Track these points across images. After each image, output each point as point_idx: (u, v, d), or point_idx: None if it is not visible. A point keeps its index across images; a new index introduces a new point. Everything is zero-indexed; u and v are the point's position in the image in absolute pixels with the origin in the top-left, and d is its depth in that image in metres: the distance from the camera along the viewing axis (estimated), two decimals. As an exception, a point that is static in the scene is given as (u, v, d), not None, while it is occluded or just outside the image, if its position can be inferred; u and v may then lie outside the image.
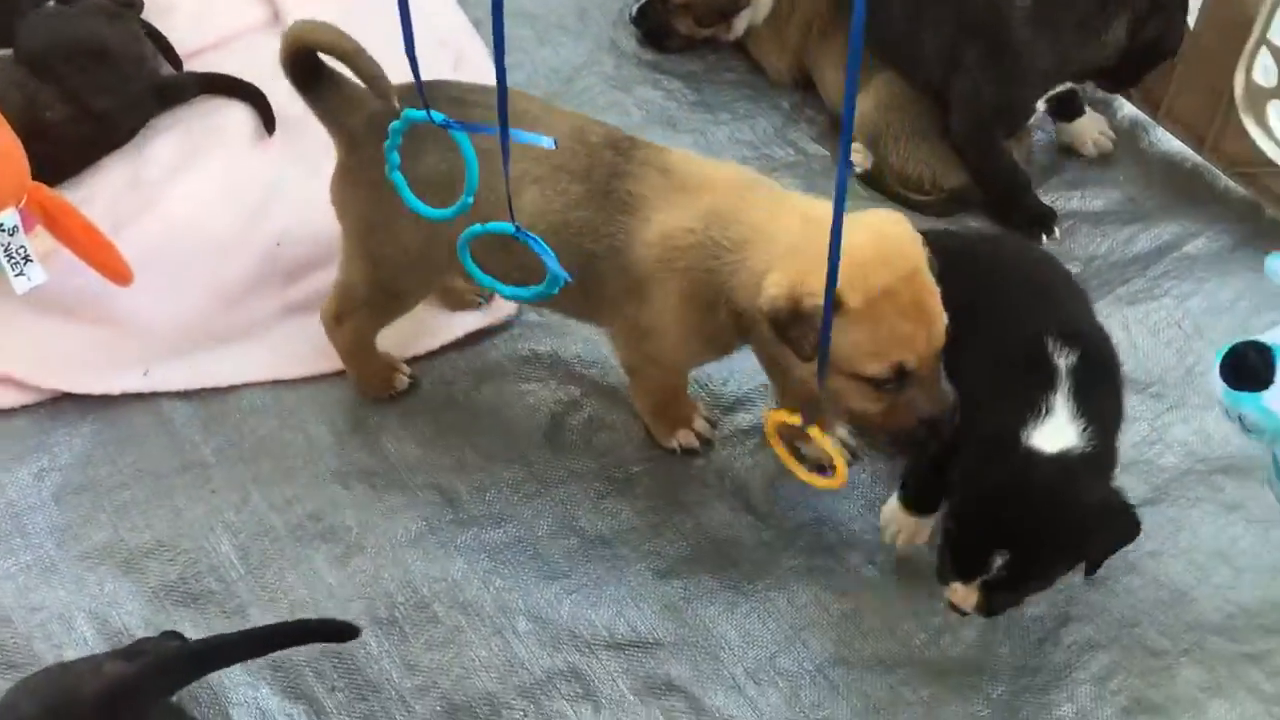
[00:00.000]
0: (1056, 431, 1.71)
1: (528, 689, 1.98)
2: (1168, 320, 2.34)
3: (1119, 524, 1.73)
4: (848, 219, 1.50)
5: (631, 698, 1.96)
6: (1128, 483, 2.12)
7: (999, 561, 1.68)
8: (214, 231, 2.47)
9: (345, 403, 2.30)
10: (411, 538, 2.14)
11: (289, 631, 1.87)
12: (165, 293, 2.39)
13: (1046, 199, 2.57)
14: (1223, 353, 1.66)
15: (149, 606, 2.06)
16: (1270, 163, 2.45)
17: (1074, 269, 2.41)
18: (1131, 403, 2.21)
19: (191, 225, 2.48)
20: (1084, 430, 1.72)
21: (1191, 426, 2.17)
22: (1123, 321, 2.33)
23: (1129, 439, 2.18)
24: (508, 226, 1.63)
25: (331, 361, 2.32)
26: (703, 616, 2.03)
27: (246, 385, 2.33)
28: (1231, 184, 2.57)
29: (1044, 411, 1.71)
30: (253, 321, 2.40)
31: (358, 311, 2.16)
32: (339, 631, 1.86)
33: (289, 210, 2.50)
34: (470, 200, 1.63)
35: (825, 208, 1.58)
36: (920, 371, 1.73)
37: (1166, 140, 2.64)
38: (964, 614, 1.78)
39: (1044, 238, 2.48)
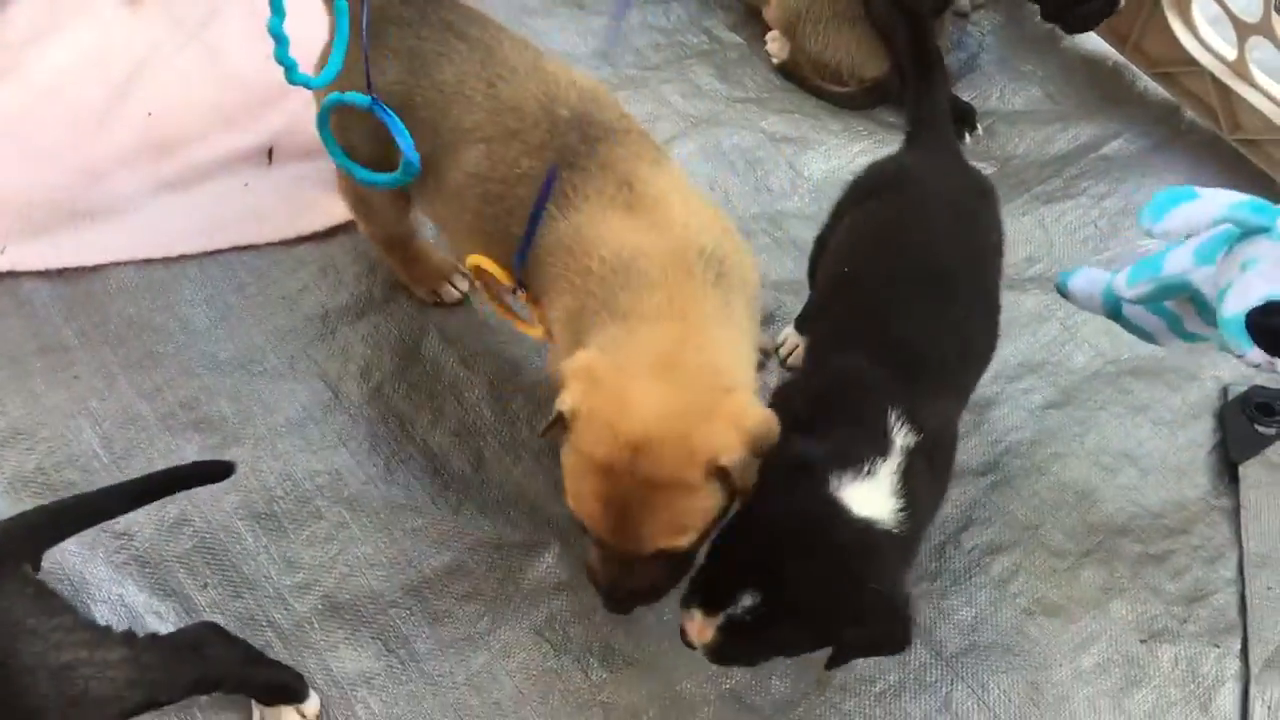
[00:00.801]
0: (873, 498, 1.48)
1: (415, 587, 1.88)
2: (1083, 220, 2.28)
3: (890, 628, 1.46)
4: (698, 392, 1.44)
5: (518, 598, 1.88)
6: (1036, 384, 2.09)
7: (746, 603, 1.44)
8: (79, 101, 2.30)
9: (221, 284, 2.15)
10: (292, 427, 2.02)
11: (160, 480, 1.70)
12: (24, 164, 2.21)
13: (965, 97, 2.49)
14: (1241, 313, 1.50)
15: (4, 498, 1.91)
16: (1192, 62, 2.39)
17: (990, 168, 2.36)
18: (1044, 301, 2.17)
19: (54, 93, 2.30)
20: (898, 509, 1.48)
21: (1101, 327, 2.11)
22: (1039, 220, 2.27)
23: (1041, 339, 2.14)
24: (364, 98, 1.60)
25: (207, 240, 2.16)
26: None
27: (114, 264, 2.17)
28: (1152, 85, 2.51)
29: (867, 471, 1.49)
30: (122, 197, 2.23)
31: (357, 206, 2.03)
32: (213, 472, 1.71)
33: (162, 81, 2.32)
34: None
35: (678, 370, 1.45)
36: (598, 541, 1.52)
37: (1088, 39, 2.57)
38: (692, 648, 1.53)
39: (966, 135, 2.41)
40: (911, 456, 1.51)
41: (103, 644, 1.53)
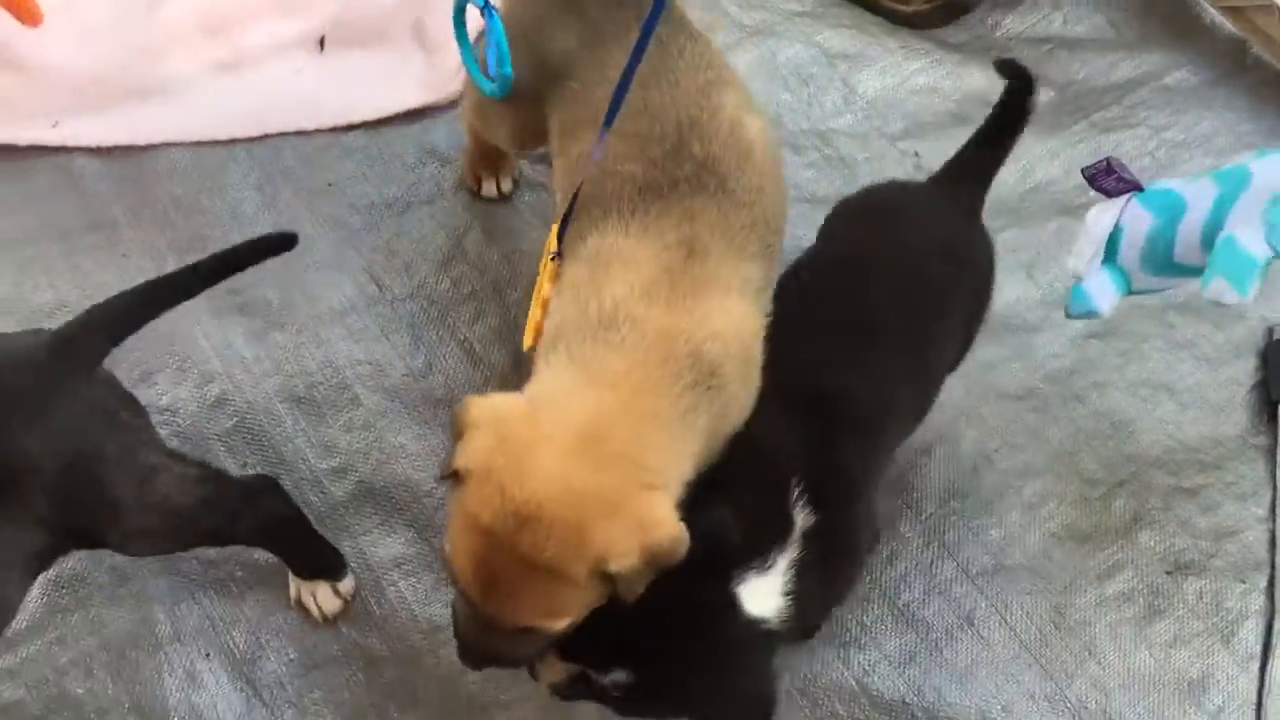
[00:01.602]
0: (764, 595, 1.42)
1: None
2: (1141, 150, 2.24)
3: (750, 716, 1.49)
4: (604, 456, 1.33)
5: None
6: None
7: (616, 678, 1.41)
8: (138, -25, 2.28)
9: (270, 169, 2.16)
10: (335, 316, 2.04)
11: (228, 258, 1.65)
12: (77, 40, 2.21)
13: (1027, 22, 2.44)
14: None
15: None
16: (1262, -5, 2.34)
17: (1049, 94, 2.31)
18: (1067, 238, 2.13)
19: (112, -34, 2.29)
20: (786, 609, 1.43)
21: (1151, 261, 2.09)
22: (1095, 148, 2.23)
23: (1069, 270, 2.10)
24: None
25: (258, 124, 2.17)
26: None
27: (165, 145, 2.18)
28: (1218, 18, 2.45)
29: (766, 565, 1.42)
30: (175, 77, 2.23)
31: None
32: (279, 244, 1.67)
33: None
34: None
35: (602, 450, 1.34)
36: (468, 601, 1.41)
37: (1156, -33, 2.51)
38: (533, 677, 1.50)
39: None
40: (809, 543, 1.44)
41: (182, 460, 1.58)
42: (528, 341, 1.57)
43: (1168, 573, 1.85)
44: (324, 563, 1.80)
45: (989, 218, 2.13)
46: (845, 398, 1.51)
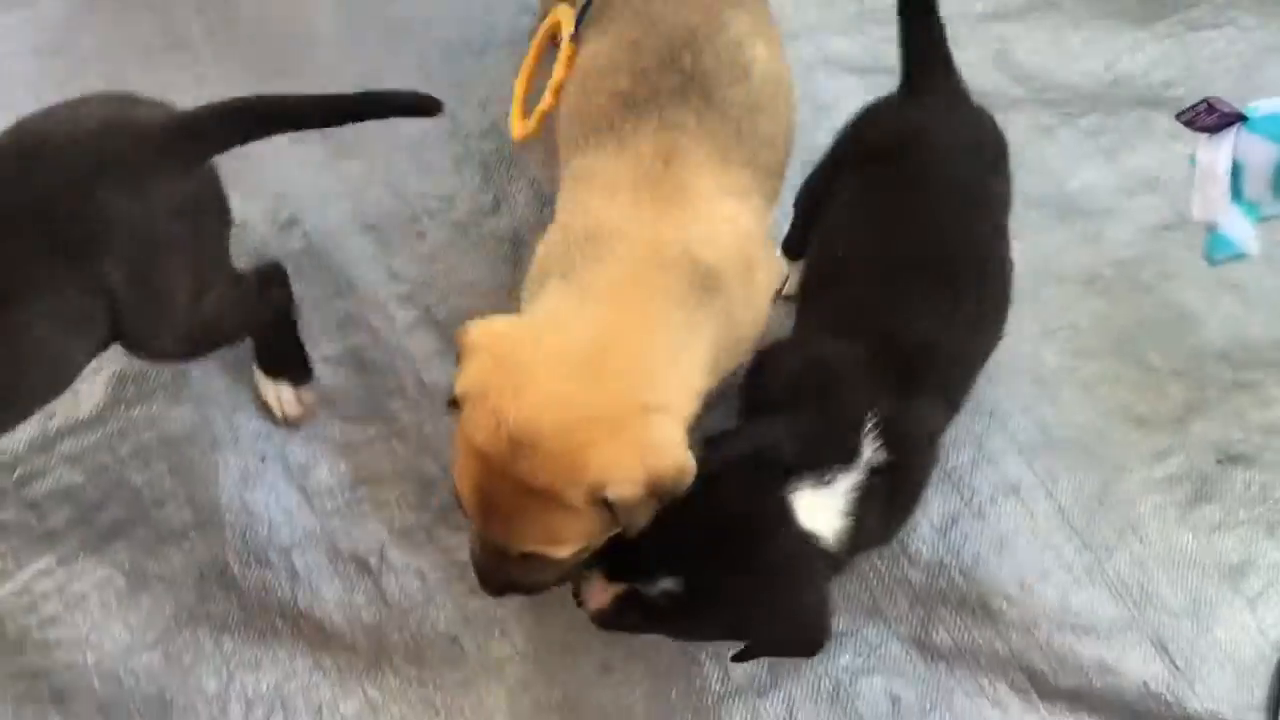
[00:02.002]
0: (824, 511, 1.39)
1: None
2: (1228, 50, 2.21)
3: (807, 637, 1.42)
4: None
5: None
6: (1155, 204, 2.06)
7: (665, 587, 1.36)
8: None
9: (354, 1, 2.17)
10: (409, 147, 2.05)
11: (368, 100, 1.60)
12: None
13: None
14: None
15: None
16: (1371, -96, 2.28)
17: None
18: (1178, 126, 2.11)
19: None
20: (843, 532, 1.40)
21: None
22: (1182, 44, 2.20)
23: (1168, 159, 2.08)
24: None
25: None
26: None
27: (250, -34, 2.19)
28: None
29: (825, 480, 1.39)
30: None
31: None
32: (420, 105, 1.59)
33: None
34: None
35: (602, 370, 1.31)
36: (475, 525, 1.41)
37: None
38: (579, 604, 1.45)
39: None
40: (875, 477, 1.41)
41: (238, 283, 1.62)
42: (528, 128, 1.62)
43: (1218, 461, 1.85)
44: (296, 364, 1.82)
45: (1070, 104, 2.13)
46: (928, 352, 1.48)
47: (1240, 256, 1.59)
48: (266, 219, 1.99)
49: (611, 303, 1.36)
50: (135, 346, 1.57)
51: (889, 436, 1.41)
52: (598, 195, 1.46)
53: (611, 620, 1.42)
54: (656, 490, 1.30)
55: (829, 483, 1.38)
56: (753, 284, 1.48)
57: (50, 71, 2.07)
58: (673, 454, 1.31)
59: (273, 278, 1.72)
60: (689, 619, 1.38)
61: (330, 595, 1.75)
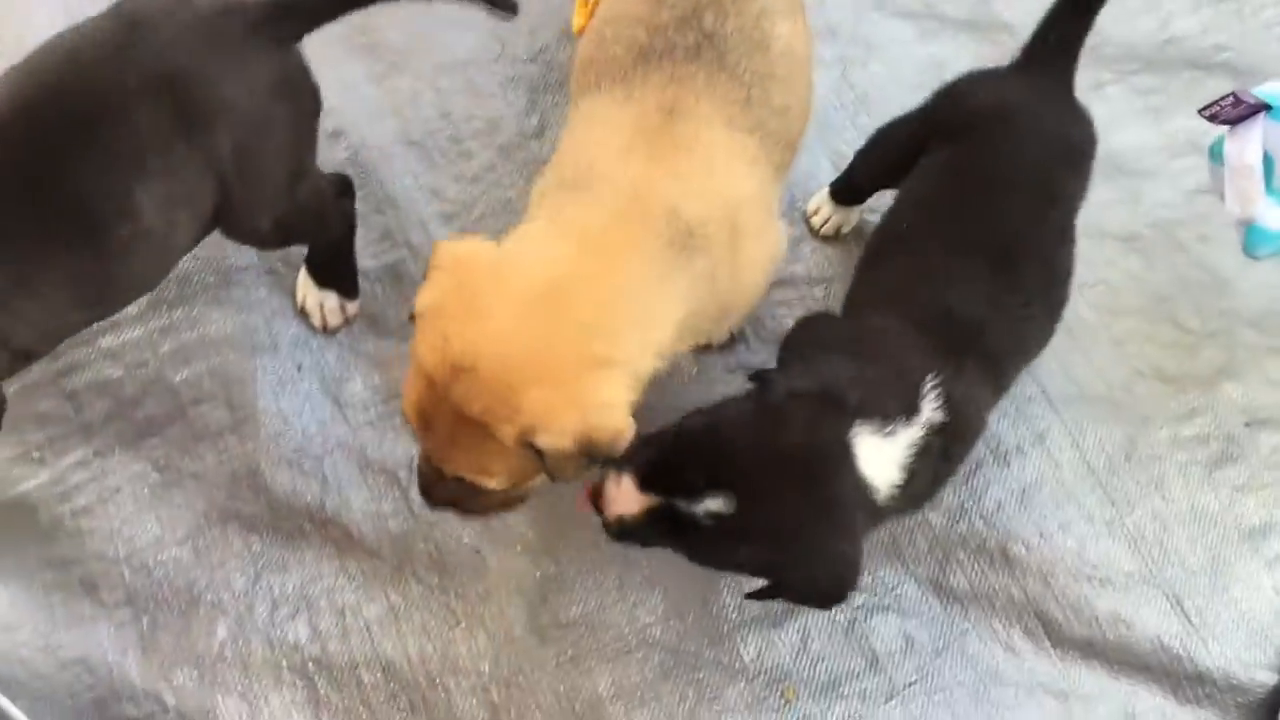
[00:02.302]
0: (883, 461, 1.36)
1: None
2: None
3: (832, 591, 1.37)
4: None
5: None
6: (1197, 166, 2.05)
7: (710, 506, 1.31)
8: None
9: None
10: (457, 68, 2.06)
11: None
12: None
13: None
14: None
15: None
16: None
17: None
18: (1225, 88, 2.10)
19: None
20: (900, 485, 1.37)
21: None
22: (1237, 10, 2.17)
23: (1194, 123, 2.06)
24: None
25: None
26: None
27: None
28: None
29: (888, 430, 1.36)
30: None
31: None
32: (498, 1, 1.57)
33: None
34: None
35: (562, 310, 1.30)
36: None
37: None
38: (597, 512, 1.38)
39: None
40: (931, 436, 1.39)
41: (322, 173, 1.66)
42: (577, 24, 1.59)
43: (1246, 424, 1.86)
44: (345, 276, 1.85)
45: (1121, 61, 2.11)
46: (980, 331, 1.47)
47: None
48: (312, 131, 2.00)
49: (584, 246, 1.34)
50: (233, 228, 1.59)
51: (947, 398, 1.40)
52: (595, 138, 1.46)
53: (633, 531, 1.36)
54: (588, 449, 1.30)
55: (891, 434, 1.36)
56: (740, 252, 1.45)
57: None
58: (612, 416, 1.30)
59: (343, 188, 1.76)
60: (725, 543, 1.34)
61: (358, 503, 1.78)
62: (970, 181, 1.58)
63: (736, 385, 1.59)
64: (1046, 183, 1.58)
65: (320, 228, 1.70)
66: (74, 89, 1.40)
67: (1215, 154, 1.68)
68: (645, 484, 1.33)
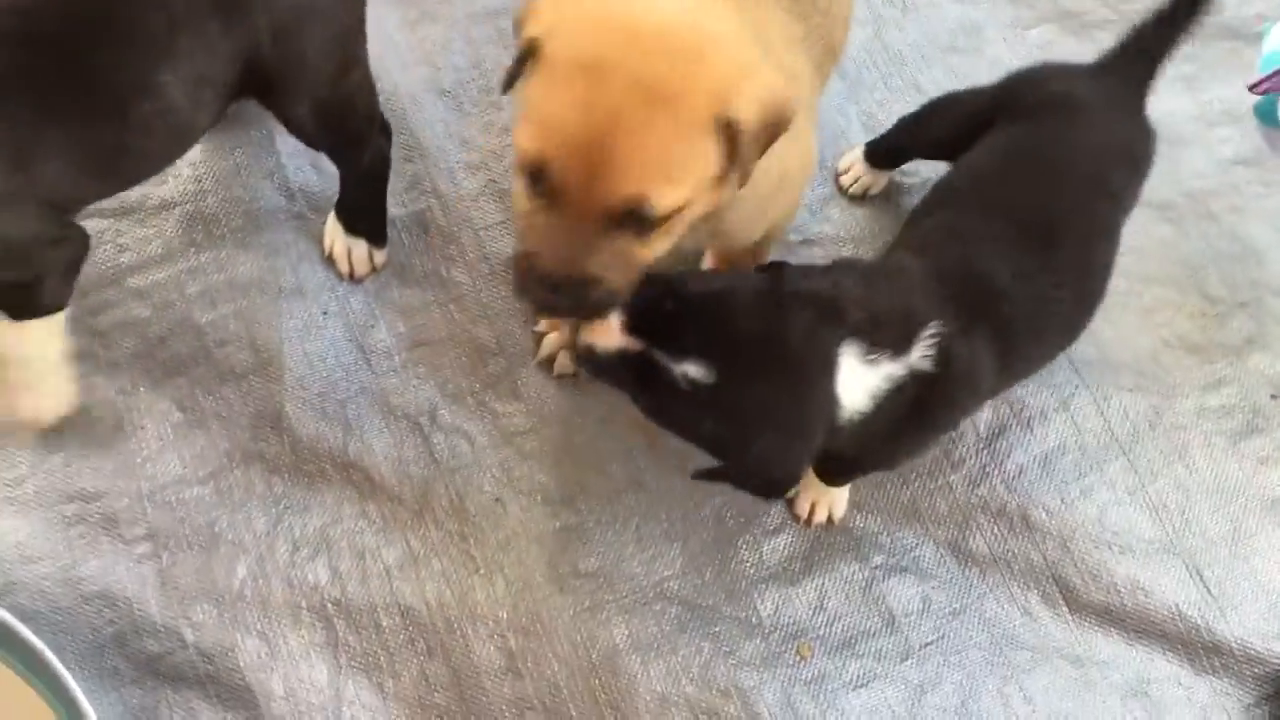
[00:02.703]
0: (856, 385, 1.34)
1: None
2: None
3: (772, 474, 1.34)
4: None
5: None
6: (1232, 135, 2.04)
7: (690, 370, 1.29)
8: None
9: None
10: (489, 17, 2.05)
11: None
12: None
13: None
14: None
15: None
16: None
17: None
18: (1249, 55, 2.07)
19: None
20: (862, 415, 1.36)
21: (1316, 98, 2.04)
22: (1275, -17, 2.16)
23: (1231, 92, 2.05)
24: None
25: None
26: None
27: None
28: None
29: (871, 356, 1.35)
30: None
31: None
32: None
33: None
34: None
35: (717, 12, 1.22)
36: (558, 186, 1.20)
37: None
38: (547, 358, 1.39)
39: None
40: (911, 381, 1.37)
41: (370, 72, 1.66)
42: None
43: (1272, 396, 1.85)
44: (376, 225, 1.85)
45: (1158, 28, 2.08)
46: (1005, 301, 1.46)
47: None
48: (342, 78, 1.99)
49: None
50: (274, 107, 1.58)
51: (942, 351, 1.39)
52: None
53: (600, 365, 1.34)
54: (771, 119, 1.21)
55: (874, 361, 1.35)
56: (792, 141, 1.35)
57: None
58: (784, 90, 1.22)
59: (385, 128, 1.77)
60: (693, 411, 1.32)
61: (380, 449, 1.79)
62: (1027, 159, 1.58)
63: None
64: (1101, 178, 1.57)
65: (361, 132, 1.69)
66: None
67: (1264, 114, 1.68)
68: (633, 327, 1.31)
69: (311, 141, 1.69)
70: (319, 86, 1.56)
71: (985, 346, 1.45)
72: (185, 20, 1.39)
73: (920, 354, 1.37)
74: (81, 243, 1.56)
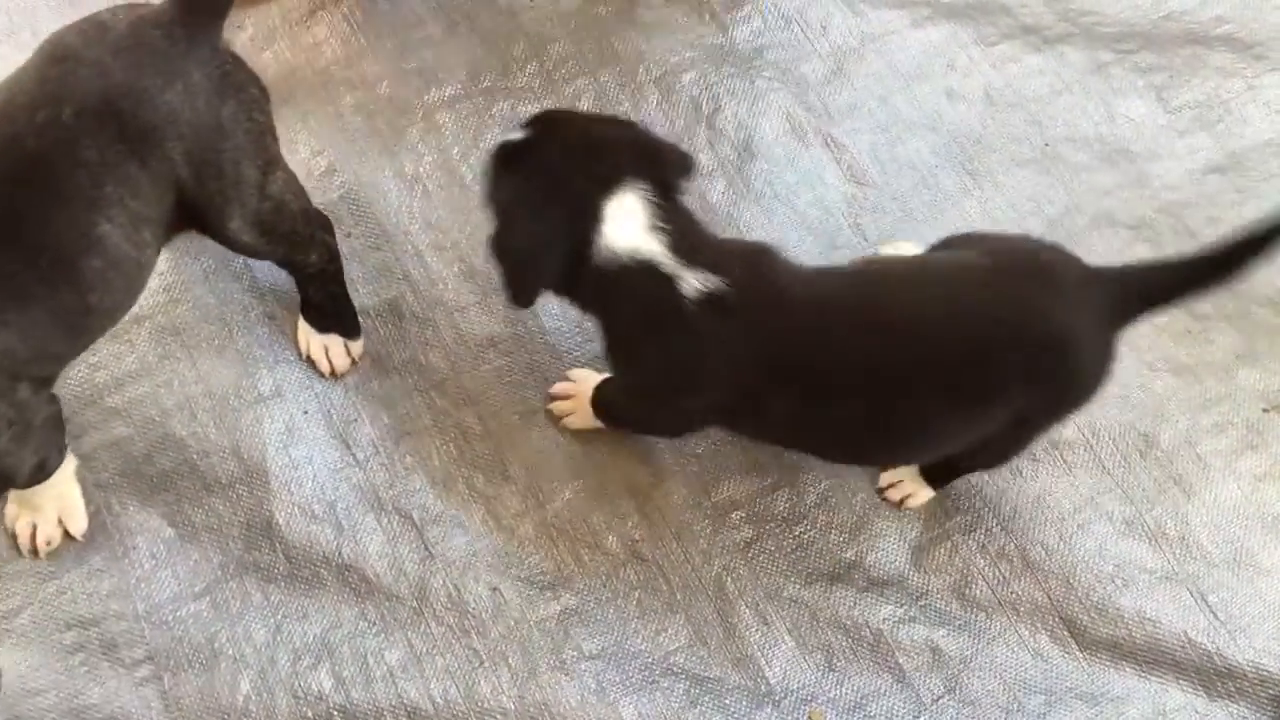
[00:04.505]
0: (631, 223, 1.50)
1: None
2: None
3: (500, 260, 1.56)
4: None
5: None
6: (1204, 144, 2.02)
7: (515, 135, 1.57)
8: None
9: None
10: (448, 104, 2.04)
11: None
12: None
13: None
14: None
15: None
16: None
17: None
18: (1231, 60, 2.06)
19: None
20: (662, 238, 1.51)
21: (1284, 95, 2.02)
22: (1234, -17, 2.14)
23: (1221, 94, 2.02)
24: None
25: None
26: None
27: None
28: None
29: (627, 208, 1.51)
30: None
31: None
32: None
33: None
34: None
35: None
36: None
37: None
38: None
39: None
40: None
41: (286, 167, 1.67)
42: None
43: (1264, 410, 1.83)
44: (345, 318, 1.84)
45: (1120, 40, 2.07)
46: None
47: None
48: (304, 167, 1.97)
49: None
50: (214, 234, 1.60)
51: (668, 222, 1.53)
52: None
53: (497, 151, 1.59)
54: None
55: (656, 229, 1.50)
56: None
57: None
58: None
59: (324, 225, 1.76)
60: (503, 190, 1.58)
61: (374, 547, 1.78)
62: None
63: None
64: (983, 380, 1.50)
65: (300, 232, 1.69)
66: (16, 137, 1.40)
67: None
68: (532, 120, 1.60)
69: (257, 253, 1.68)
70: (247, 196, 1.56)
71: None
72: (105, 168, 1.40)
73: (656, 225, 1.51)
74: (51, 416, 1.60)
